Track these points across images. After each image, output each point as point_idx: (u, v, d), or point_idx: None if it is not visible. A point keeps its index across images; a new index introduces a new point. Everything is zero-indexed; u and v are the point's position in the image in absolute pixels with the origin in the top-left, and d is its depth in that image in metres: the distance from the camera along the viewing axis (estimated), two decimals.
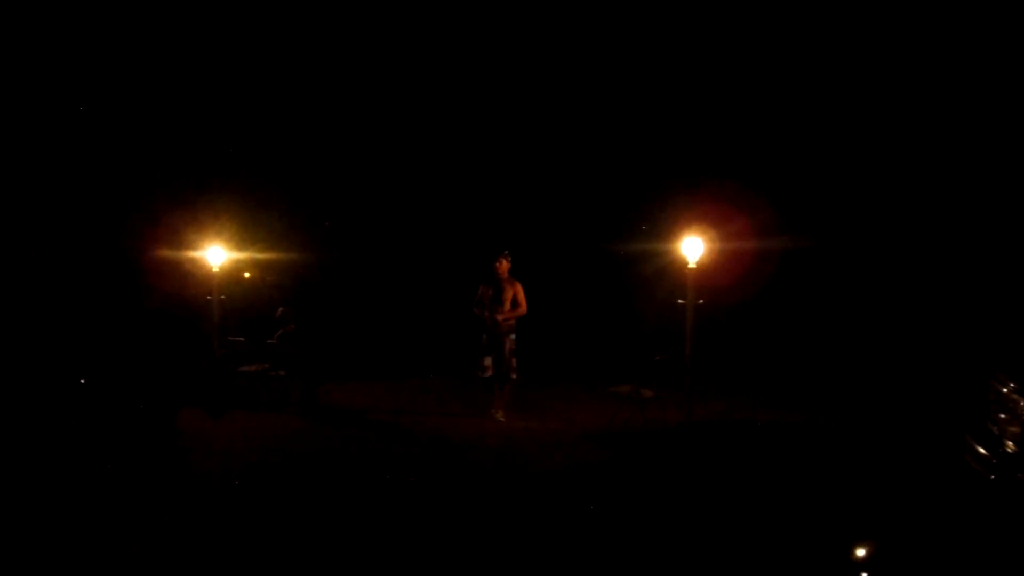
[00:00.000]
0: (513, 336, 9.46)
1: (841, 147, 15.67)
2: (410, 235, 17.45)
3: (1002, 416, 5.69)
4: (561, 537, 5.61)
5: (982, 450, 5.73)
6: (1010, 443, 5.49)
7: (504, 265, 9.42)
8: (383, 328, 15.68)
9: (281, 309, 11.20)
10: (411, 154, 17.46)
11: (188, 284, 13.39)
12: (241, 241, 13.87)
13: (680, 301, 8.91)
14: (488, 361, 9.42)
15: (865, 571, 5.00)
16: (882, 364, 12.52)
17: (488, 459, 7.84)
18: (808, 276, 15.15)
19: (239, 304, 13.72)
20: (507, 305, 9.36)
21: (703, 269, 8.84)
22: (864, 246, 15.30)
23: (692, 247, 8.73)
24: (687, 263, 8.76)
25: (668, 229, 9.94)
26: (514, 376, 9.53)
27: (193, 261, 12.78)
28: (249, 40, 15.95)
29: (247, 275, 17.02)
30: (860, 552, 5.28)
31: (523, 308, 9.43)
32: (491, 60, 16.43)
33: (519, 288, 9.43)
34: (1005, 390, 5.71)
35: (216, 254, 11.42)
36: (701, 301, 8.78)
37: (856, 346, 13.39)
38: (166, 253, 14.61)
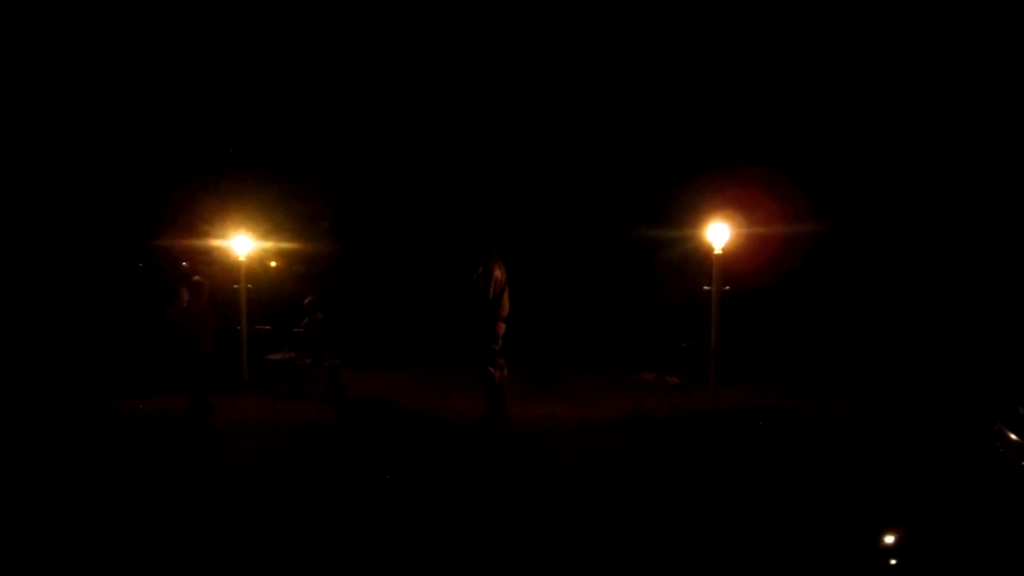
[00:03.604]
0: None
1: (869, 132, 15.50)
2: (432, 225, 17.52)
3: None
4: (588, 523, 5.62)
5: (1014, 436, 5.65)
6: None
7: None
8: (405, 316, 15.77)
9: (308, 298, 11.28)
10: (438, 147, 17.53)
11: (214, 274, 13.56)
12: (267, 231, 13.98)
13: (706, 288, 8.84)
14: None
15: (895, 558, 4.96)
16: (910, 349, 12.40)
17: (513, 445, 7.85)
18: (835, 262, 15.02)
19: (266, 293, 13.84)
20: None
21: (729, 255, 8.76)
22: (892, 232, 15.14)
23: (718, 233, 8.65)
24: (713, 249, 8.69)
25: (694, 215, 9.83)
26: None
27: (220, 250, 12.91)
28: (270, 45, 16.27)
29: (273, 264, 17.19)
30: (890, 539, 5.24)
31: None
32: (521, 50, 16.44)
33: None
34: None
35: (243, 243, 11.49)
36: (727, 287, 8.71)
37: (884, 332, 13.27)
38: (193, 243, 14.79)
